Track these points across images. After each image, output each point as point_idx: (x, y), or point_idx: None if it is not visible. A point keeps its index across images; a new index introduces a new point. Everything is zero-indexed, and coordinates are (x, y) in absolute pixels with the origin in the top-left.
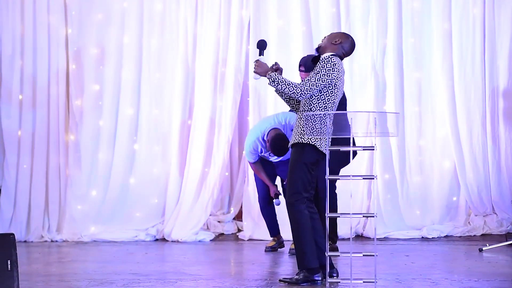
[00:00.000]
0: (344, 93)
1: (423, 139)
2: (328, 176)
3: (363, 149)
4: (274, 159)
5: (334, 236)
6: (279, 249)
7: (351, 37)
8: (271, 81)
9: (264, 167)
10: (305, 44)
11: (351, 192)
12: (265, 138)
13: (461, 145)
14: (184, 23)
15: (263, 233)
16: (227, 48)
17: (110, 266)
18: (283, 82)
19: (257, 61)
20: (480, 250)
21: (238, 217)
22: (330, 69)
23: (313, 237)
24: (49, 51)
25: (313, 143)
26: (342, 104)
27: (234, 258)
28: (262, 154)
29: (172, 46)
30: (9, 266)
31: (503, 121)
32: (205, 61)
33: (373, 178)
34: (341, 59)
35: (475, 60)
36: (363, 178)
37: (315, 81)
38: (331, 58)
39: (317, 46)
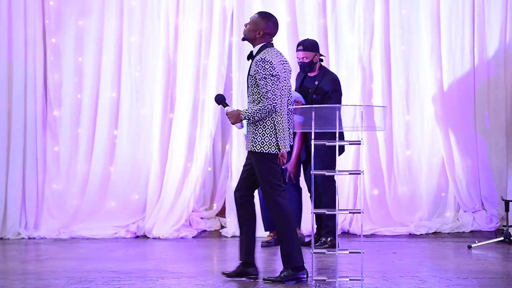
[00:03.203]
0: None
1: (411, 133)
2: (313, 172)
3: (349, 144)
4: None
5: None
6: (275, 246)
7: (270, 17)
8: (247, 119)
9: None
10: (290, 35)
11: (336, 188)
12: None
13: (449, 139)
14: (166, 14)
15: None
16: (209, 40)
17: (90, 263)
18: (255, 113)
19: (226, 113)
20: (469, 247)
21: (221, 213)
22: (270, 69)
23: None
24: (26, 43)
25: (266, 151)
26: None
27: (217, 255)
28: None
29: (153, 37)
30: None
31: (491, 115)
32: (187, 53)
33: (360, 174)
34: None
35: (464, 53)
36: (349, 174)
37: (270, 86)
38: (264, 58)
39: (243, 37)
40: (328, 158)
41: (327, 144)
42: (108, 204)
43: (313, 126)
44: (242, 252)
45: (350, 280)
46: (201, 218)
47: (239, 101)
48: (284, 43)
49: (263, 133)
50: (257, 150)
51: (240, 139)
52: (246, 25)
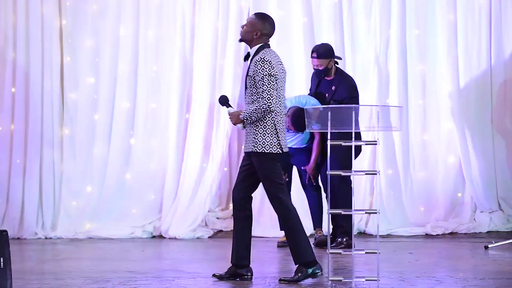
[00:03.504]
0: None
1: (427, 133)
2: (329, 172)
3: (365, 144)
4: (291, 138)
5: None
6: None
7: (266, 18)
8: (244, 120)
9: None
10: (306, 35)
11: (353, 188)
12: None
13: (466, 140)
14: (182, 14)
15: (263, 230)
16: (225, 40)
17: (106, 263)
18: (252, 113)
19: (229, 115)
20: (486, 247)
21: None
22: (269, 69)
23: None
24: (43, 43)
25: (268, 151)
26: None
27: None
28: None
29: (169, 37)
30: (1, 263)
31: (509, 115)
32: (203, 53)
33: (376, 174)
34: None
35: (481, 52)
36: (366, 174)
37: (267, 86)
38: (263, 57)
39: (240, 38)
40: (344, 159)
41: (343, 144)
42: (124, 204)
43: (329, 127)
44: (234, 254)
45: (366, 280)
46: (217, 218)
47: None
48: (300, 44)
49: (264, 133)
50: (258, 151)
51: None
52: (243, 27)
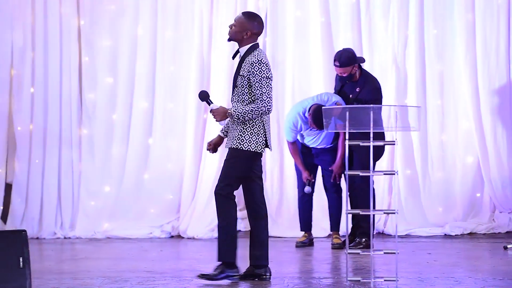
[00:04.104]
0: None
1: (446, 133)
2: (348, 172)
3: (384, 144)
4: (314, 138)
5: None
6: (308, 246)
7: (255, 17)
8: (235, 118)
9: (304, 158)
10: (324, 35)
11: (373, 188)
12: (306, 115)
13: (485, 139)
14: (200, 14)
15: (280, 230)
16: None
17: (124, 263)
18: (245, 112)
19: (211, 111)
20: (505, 248)
21: None
22: (267, 71)
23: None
24: (61, 43)
25: (253, 150)
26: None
27: None
28: (301, 131)
29: (187, 38)
30: (21, 263)
31: None
32: (220, 54)
33: (394, 174)
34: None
35: (500, 52)
36: (384, 174)
37: (265, 88)
38: (261, 60)
39: (228, 38)
40: (367, 159)
41: (361, 144)
42: (142, 204)
43: (347, 127)
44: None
45: (385, 280)
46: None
47: (273, 102)
48: (318, 43)
49: (252, 132)
50: (244, 148)
51: (274, 140)
52: (231, 27)
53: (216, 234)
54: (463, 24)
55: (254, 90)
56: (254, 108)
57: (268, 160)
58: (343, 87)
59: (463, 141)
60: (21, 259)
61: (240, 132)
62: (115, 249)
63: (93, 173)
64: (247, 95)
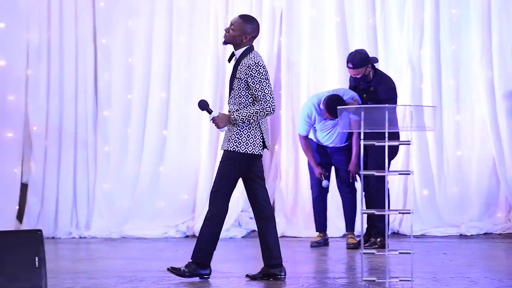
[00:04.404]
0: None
1: (461, 133)
2: (363, 172)
3: (399, 144)
4: (328, 135)
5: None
6: (323, 246)
7: (253, 20)
8: (240, 122)
9: (319, 158)
10: (339, 35)
11: (388, 188)
12: (321, 106)
13: (500, 139)
14: (214, 15)
15: (296, 230)
16: (258, 40)
17: (140, 263)
18: (250, 115)
19: (212, 119)
20: None
21: None
22: (264, 73)
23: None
24: (77, 43)
25: (251, 152)
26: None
27: None
28: (315, 123)
29: (202, 38)
30: (36, 263)
31: None
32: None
33: (409, 174)
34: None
35: None
36: (399, 174)
37: (267, 89)
38: (258, 62)
39: (224, 41)
40: (381, 159)
41: (376, 144)
42: (157, 204)
43: (362, 126)
44: (209, 253)
45: (400, 280)
46: (250, 218)
47: (288, 102)
48: (333, 43)
49: (249, 134)
50: (241, 151)
51: (289, 140)
52: (228, 30)
53: (231, 234)
54: (478, 24)
55: (255, 92)
56: (258, 109)
57: (283, 160)
58: (357, 87)
59: (478, 141)
60: (36, 259)
61: (236, 134)
62: (130, 249)
63: (108, 173)
64: (243, 97)
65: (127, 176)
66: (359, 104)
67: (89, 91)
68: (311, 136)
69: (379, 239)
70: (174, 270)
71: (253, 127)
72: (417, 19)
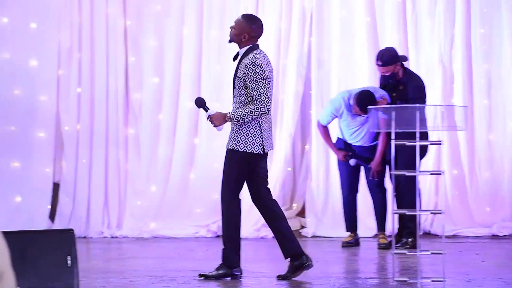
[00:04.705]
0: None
1: (493, 133)
2: (394, 172)
3: (430, 144)
4: (352, 136)
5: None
6: (354, 246)
7: (254, 20)
8: (235, 121)
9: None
10: (369, 35)
11: (419, 188)
12: (351, 102)
13: None
14: None
15: (327, 229)
16: (288, 40)
17: (171, 263)
18: (244, 114)
19: (209, 117)
20: None
21: (301, 213)
22: (261, 72)
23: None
24: (108, 43)
25: (249, 151)
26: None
27: None
28: (341, 118)
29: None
30: (69, 262)
31: None
32: (266, 53)
33: (441, 174)
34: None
35: None
36: (431, 174)
37: (263, 89)
38: (255, 61)
39: (229, 39)
40: (411, 159)
41: (407, 144)
42: (188, 203)
43: (393, 126)
44: (237, 256)
45: (432, 281)
46: None
47: (318, 101)
48: (364, 43)
49: (248, 133)
50: (240, 150)
51: (320, 140)
52: (231, 28)
53: (262, 234)
54: (510, 23)
55: (251, 91)
56: (253, 109)
57: (314, 160)
58: (386, 86)
59: (510, 140)
60: (69, 258)
61: (235, 133)
62: (161, 248)
63: (140, 173)
64: (243, 96)
65: (158, 176)
66: (388, 103)
67: (120, 91)
68: (339, 134)
69: (410, 239)
70: (205, 276)
71: (252, 126)
72: (448, 18)
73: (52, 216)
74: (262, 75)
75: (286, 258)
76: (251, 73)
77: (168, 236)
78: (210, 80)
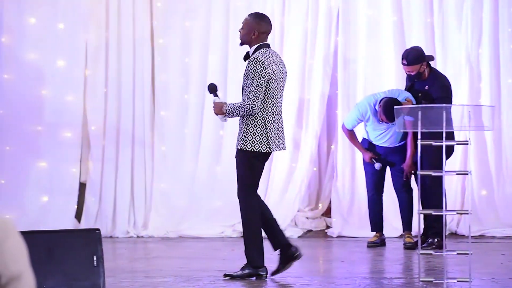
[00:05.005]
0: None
1: None
2: (419, 172)
3: (456, 144)
4: (378, 137)
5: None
6: (380, 246)
7: (261, 17)
8: (227, 113)
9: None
10: (396, 34)
11: (444, 188)
12: (377, 108)
13: None
14: (271, 14)
15: (353, 229)
16: (315, 40)
17: (196, 262)
18: (235, 109)
19: (214, 103)
20: None
21: (327, 213)
22: (261, 69)
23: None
24: (134, 44)
25: (257, 150)
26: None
27: (323, 255)
28: (367, 122)
29: None
30: (95, 261)
31: None
32: (292, 53)
33: (467, 174)
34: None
35: None
36: (457, 174)
37: (255, 88)
38: (257, 57)
39: (240, 42)
40: (436, 159)
41: (433, 144)
42: (214, 203)
43: (419, 126)
44: (261, 255)
45: (458, 281)
46: (307, 218)
47: (345, 101)
48: (390, 42)
49: (254, 131)
50: (247, 149)
51: (346, 140)
52: (240, 30)
53: (287, 234)
54: None
55: (246, 86)
56: (241, 105)
57: (340, 160)
58: (412, 86)
59: None
60: (95, 258)
61: (243, 132)
62: (187, 248)
63: (166, 173)
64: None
65: (184, 175)
66: (413, 104)
67: (146, 91)
68: (364, 135)
69: (436, 240)
70: (230, 276)
71: (259, 125)
72: (476, 17)
73: (78, 215)
74: (261, 72)
75: (280, 249)
76: (251, 69)
77: (194, 236)
78: (236, 78)
